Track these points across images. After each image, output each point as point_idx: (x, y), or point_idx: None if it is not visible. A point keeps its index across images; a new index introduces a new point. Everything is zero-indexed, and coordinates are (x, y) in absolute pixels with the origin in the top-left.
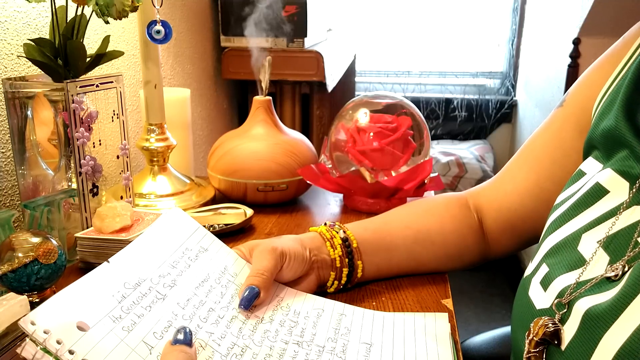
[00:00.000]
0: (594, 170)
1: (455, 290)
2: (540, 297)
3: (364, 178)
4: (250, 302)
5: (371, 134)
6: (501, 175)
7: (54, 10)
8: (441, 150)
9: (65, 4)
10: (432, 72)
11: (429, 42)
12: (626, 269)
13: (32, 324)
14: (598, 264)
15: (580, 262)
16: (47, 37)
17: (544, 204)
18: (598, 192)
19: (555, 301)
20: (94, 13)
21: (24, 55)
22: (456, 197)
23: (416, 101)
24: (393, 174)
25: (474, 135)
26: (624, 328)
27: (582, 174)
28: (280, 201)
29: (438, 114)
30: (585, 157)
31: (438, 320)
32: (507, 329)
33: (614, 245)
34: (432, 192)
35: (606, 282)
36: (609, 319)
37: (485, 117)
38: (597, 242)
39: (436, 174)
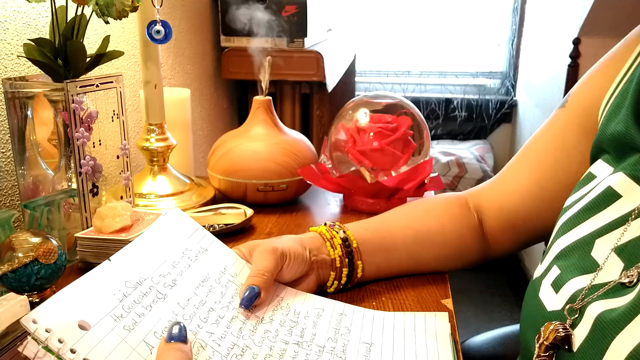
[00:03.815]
0: (605, 174)
1: (455, 290)
2: (552, 299)
3: (364, 178)
4: (251, 302)
5: (371, 134)
6: (502, 175)
7: (54, 10)
8: (441, 150)
9: (65, 4)
10: (432, 72)
11: (429, 42)
12: None
13: (34, 322)
14: (611, 269)
15: (593, 266)
16: (47, 37)
17: (546, 204)
18: (610, 196)
19: (567, 306)
20: (94, 13)
21: (24, 55)
22: (456, 197)
23: (416, 101)
24: (393, 174)
25: (474, 135)
26: (635, 333)
27: (592, 176)
28: (280, 201)
29: (438, 114)
30: (593, 159)
31: (438, 319)
32: (507, 329)
33: (628, 252)
34: (432, 192)
35: (620, 287)
36: (621, 323)
37: (485, 117)
38: (611, 248)
39: (436, 174)
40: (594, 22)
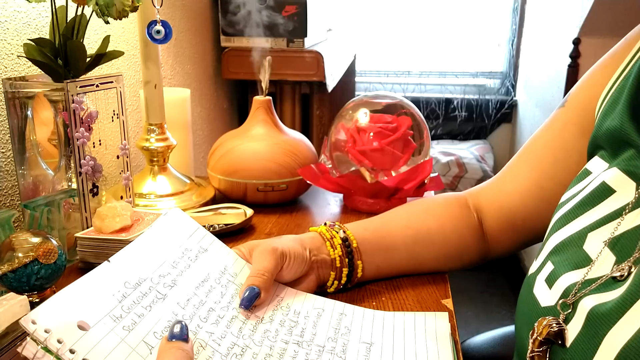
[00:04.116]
0: (600, 169)
1: (455, 290)
2: (545, 295)
3: (364, 178)
4: (251, 302)
5: (371, 134)
6: (502, 175)
7: (54, 10)
8: (441, 150)
9: (65, 4)
10: (432, 72)
11: (429, 42)
12: (632, 269)
13: (33, 323)
14: (604, 264)
15: (585, 261)
16: (47, 37)
17: (546, 203)
18: (604, 192)
19: (560, 301)
20: (94, 13)
21: (24, 55)
22: (456, 197)
23: (416, 101)
24: (393, 174)
25: (474, 135)
26: (628, 326)
27: (587, 172)
28: (280, 201)
29: (438, 114)
30: (590, 156)
31: (438, 319)
32: (507, 329)
33: (620, 246)
34: (432, 192)
35: (612, 282)
36: (613, 318)
37: (485, 117)
38: (603, 241)
39: (436, 174)
40: (594, 22)
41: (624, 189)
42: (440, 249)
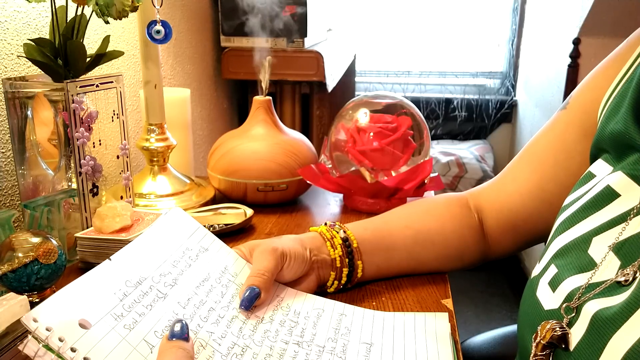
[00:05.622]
0: (604, 173)
1: (455, 290)
2: (549, 298)
3: (364, 178)
4: (251, 303)
5: (371, 134)
6: (502, 176)
7: (54, 10)
8: (441, 150)
9: (65, 4)
10: (432, 72)
11: (429, 42)
12: (638, 274)
13: (35, 321)
14: (608, 268)
15: (590, 264)
16: (47, 37)
17: (546, 205)
18: (609, 195)
19: (564, 305)
20: (94, 13)
21: (24, 55)
22: (456, 197)
23: (416, 101)
24: (393, 174)
25: (474, 135)
26: (632, 331)
27: (591, 175)
28: (280, 201)
29: (438, 114)
30: (593, 159)
31: (438, 320)
32: (507, 329)
33: (625, 250)
34: (432, 192)
35: (617, 286)
36: (618, 322)
37: (485, 117)
38: (608, 246)
39: (436, 174)
40: (594, 22)
41: (629, 193)
42: (441, 249)
